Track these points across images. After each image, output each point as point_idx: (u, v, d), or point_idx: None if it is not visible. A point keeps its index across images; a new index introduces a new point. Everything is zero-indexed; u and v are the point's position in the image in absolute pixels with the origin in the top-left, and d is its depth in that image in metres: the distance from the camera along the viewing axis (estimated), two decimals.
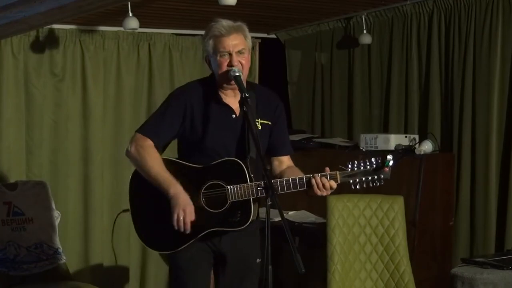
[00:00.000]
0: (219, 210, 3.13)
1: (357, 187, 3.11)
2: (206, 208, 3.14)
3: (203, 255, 3.25)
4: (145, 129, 3.22)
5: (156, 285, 5.80)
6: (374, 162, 3.10)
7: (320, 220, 4.93)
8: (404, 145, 4.88)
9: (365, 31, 5.51)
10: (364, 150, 5.04)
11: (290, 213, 5.14)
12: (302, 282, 4.85)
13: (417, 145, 4.90)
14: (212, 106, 3.21)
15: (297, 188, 3.12)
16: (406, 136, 5.00)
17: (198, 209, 3.11)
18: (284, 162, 3.36)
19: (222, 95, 3.22)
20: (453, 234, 4.92)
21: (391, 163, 3.08)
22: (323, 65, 6.13)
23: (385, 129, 5.52)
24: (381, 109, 5.63)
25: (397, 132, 5.30)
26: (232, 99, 3.23)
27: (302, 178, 3.11)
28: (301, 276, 2.89)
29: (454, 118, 5.02)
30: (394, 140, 4.90)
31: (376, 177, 3.10)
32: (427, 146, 4.87)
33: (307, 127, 6.21)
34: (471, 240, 4.91)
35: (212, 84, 3.24)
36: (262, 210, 2.93)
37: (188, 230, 3.09)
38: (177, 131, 3.21)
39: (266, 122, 3.25)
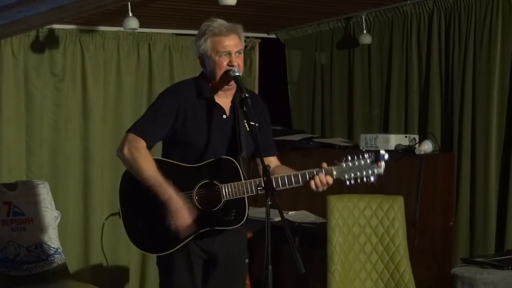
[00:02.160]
0: (213, 209, 3.11)
1: (351, 182, 3.11)
2: (200, 207, 3.11)
3: (194, 262, 3.21)
4: (137, 130, 3.16)
5: (156, 285, 5.76)
6: (368, 157, 3.10)
7: (320, 220, 4.93)
8: (404, 145, 4.88)
9: (365, 31, 5.51)
10: (364, 150, 5.04)
11: (290, 213, 5.14)
12: (302, 282, 4.85)
13: (417, 145, 4.90)
14: (203, 106, 3.18)
15: (293, 185, 3.10)
16: (406, 136, 4.99)
17: (192, 209, 3.09)
18: (272, 162, 3.31)
19: (213, 95, 3.21)
20: (453, 234, 4.92)
21: (385, 157, 3.07)
22: (323, 65, 6.13)
23: (385, 129, 5.52)
24: (381, 109, 5.63)
25: (397, 132, 5.30)
26: (223, 99, 3.21)
27: (298, 174, 3.10)
28: (301, 276, 2.88)
29: (454, 118, 5.02)
30: (394, 140, 4.90)
31: (370, 172, 3.10)
32: (427, 146, 4.87)
33: (307, 127, 6.21)
34: (471, 240, 4.91)
35: (202, 84, 3.21)
36: (262, 210, 2.93)
37: (185, 234, 3.07)
38: (169, 131, 3.17)
39: (252, 123, 3.22)
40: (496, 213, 4.76)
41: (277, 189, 3.05)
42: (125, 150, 3.12)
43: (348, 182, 3.12)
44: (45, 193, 4.93)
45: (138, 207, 3.19)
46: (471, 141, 4.91)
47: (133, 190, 3.18)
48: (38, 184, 4.94)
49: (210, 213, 3.11)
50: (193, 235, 3.12)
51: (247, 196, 3.11)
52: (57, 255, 4.81)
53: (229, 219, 3.13)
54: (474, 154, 4.90)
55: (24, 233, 4.74)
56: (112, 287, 5.69)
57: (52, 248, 4.80)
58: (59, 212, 4.96)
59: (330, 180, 3.09)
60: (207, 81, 3.22)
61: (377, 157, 3.08)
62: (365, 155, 3.11)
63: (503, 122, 4.75)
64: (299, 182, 3.10)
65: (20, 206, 4.79)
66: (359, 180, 3.11)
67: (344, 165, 3.10)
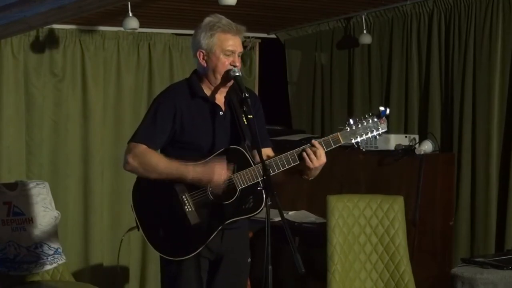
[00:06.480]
0: (230, 201, 3.10)
1: (359, 144, 3.12)
2: (216, 201, 3.10)
3: (202, 267, 3.20)
4: (138, 138, 3.16)
5: (156, 285, 5.80)
6: (369, 117, 3.11)
7: (320, 220, 4.93)
8: (404, 145, 4.88)
9: (365, 31, 5.52)
10: (364, 150, 5.02)
11: (290, 213, 5.15)
12: (302, 282, 4.85)
13: (417, 145, 4.90)
14: (199, 105, 3.18)
15: (291, 164, 3.07)
16: (406, 136, 5.00)
17: (208, 205, 3.09)
18: (268, 153, 3.29)
19: (208, 93, 3.21)
20: (453, 234, 4.92)
21: (387, 111, 3.09)
22: (323, 65, 6.13)
23: None
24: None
25: (397, 132, 5.30)
26: (217, 96, 3.21)
27: (293, 152, 3.07)
28: (301, 276, 2.89)
29: (454, 118, 5.02)
30: (394, 140, 4.90)
31: (375, 130, 3.10)
32: (427, 146, 4.87)
33: (307, 127, 6.21)
34: (471, 240, 4.91)
35: (195, 83, 3.21)
36: (262, 210, 2.93)
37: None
38: (169, 135, 3.17)
39: (250, 116, 3.21)
40: (496, 213, 4.76)
41: (278, 170, 3.05)
42: (131, 159, 3.11)
43: (356, 145, 3.12)
44: (45, 193, 4.93)
45: (156, 215, 3.17)
46: (471, 141, 4.91)
47: (147, 199, 3.17)
48: (38, 184, 4.94)
49: (228, 205, 3.10)
50: (217, 230, 3.10)
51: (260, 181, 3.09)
52: (57, 255, 4.81)
53: (248, 207, 3.11)
54: (474, 154, 4.90)
55: (24, 233, 4.74)
56: (112, 287, 5.69)
57: (52, 248, 4.80)
58: (59, 212, 4.96)
59: (323, 152, 3.07)
60: (200, 78, 3.21)
61: (378, 114, 3.10)
62: (367, 115, 3.11)
63: (503, 122, 4.75)
64: (296, 160, 3.07)
65: (20, 206, 4.79)
66: (366, 141, 3.12)
67: (348, 129, 3.11)
